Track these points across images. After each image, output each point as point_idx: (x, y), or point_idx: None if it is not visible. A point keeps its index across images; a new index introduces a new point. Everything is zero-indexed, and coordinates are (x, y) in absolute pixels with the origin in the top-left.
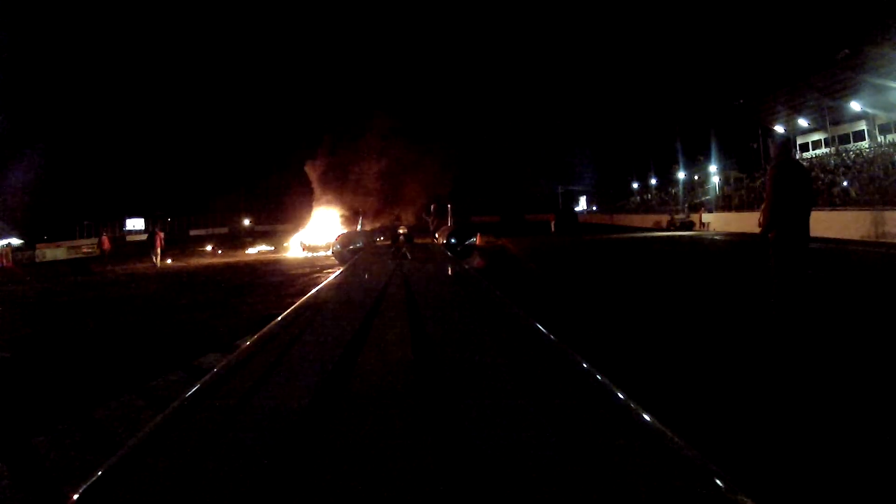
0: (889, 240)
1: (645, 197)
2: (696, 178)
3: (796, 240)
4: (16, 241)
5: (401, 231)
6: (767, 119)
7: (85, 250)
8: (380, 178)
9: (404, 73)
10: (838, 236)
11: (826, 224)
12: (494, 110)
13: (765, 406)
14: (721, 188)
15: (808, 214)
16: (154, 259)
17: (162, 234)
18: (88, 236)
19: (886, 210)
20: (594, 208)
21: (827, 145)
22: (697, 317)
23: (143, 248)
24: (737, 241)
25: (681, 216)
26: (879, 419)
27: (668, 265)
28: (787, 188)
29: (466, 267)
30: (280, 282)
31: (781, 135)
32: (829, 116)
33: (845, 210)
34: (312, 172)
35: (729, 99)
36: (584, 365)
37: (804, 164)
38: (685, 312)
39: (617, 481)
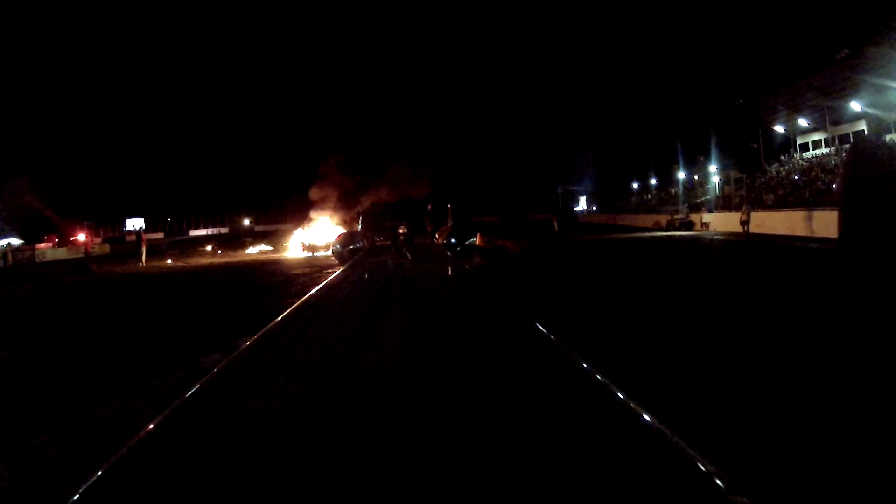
0: None
1: (645, 197)
2: (696, 178)
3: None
4: (16, 241)
5: (401, 231)
6: (767, 119)
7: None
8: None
9: (406, 72)
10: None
11: (826, 224)
12: (495, 110)
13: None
14: (721, 188)
15: None
16: (140, 259)
17: (146, 237)
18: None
19: None
20: (594, 208)
21: (827, 145)
22: (695, 315)
23: (138, 250)
24: (736, 240)
25: (681, 216)
26: None
27: (668, 265)
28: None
29: (466, 267)
30: (280, 282)
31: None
32: (829, 116)
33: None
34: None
35: (729, 99)
36: (584, 365)
37: (805, 164)
38: (683, 310)
39: (617, 481)
